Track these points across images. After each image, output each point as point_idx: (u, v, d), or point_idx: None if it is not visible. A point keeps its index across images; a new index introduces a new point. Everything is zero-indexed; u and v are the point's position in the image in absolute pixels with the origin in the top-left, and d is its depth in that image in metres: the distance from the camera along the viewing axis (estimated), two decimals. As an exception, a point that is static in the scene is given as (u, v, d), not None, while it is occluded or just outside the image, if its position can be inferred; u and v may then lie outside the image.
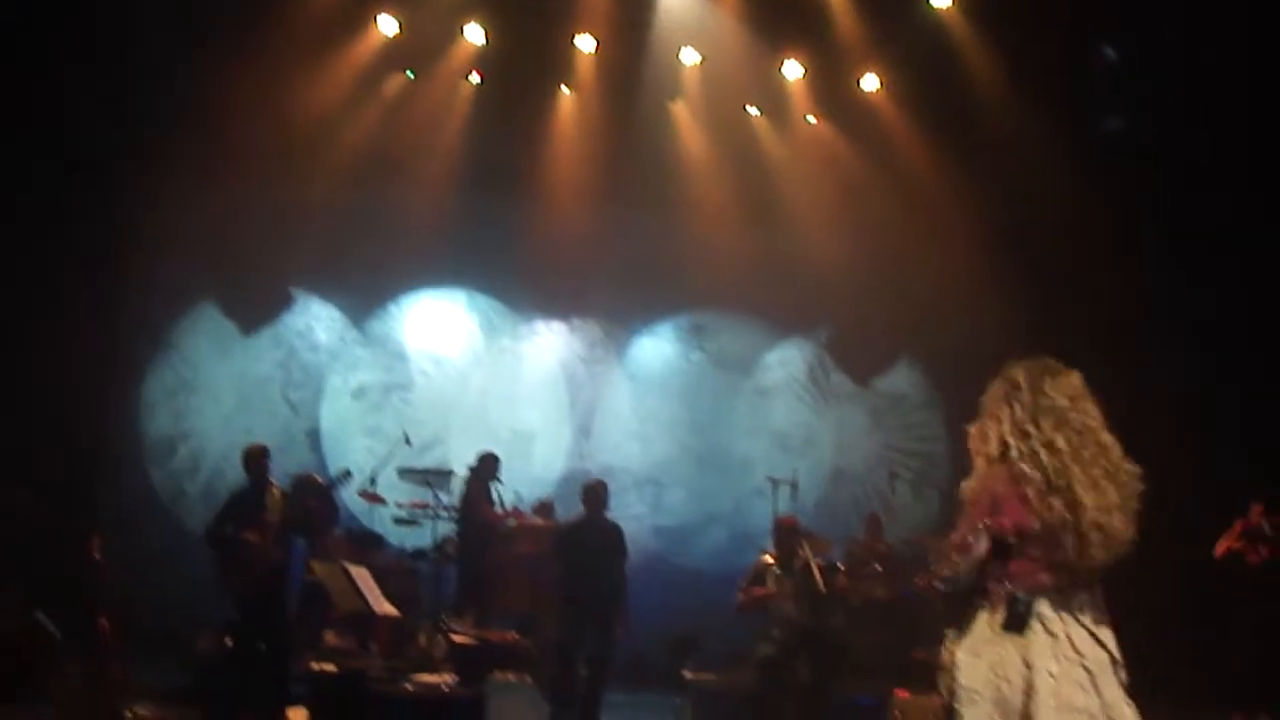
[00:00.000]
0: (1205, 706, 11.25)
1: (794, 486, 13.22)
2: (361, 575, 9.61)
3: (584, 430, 15.96)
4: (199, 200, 14.21)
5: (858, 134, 15.06)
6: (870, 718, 10.70)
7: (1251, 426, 13.05)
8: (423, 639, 10.77)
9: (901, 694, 10.23)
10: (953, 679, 4.95)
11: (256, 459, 10.18)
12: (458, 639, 10.59)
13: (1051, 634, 4.79)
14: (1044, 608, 4.81)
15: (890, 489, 15.68)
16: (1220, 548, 11.68)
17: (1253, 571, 11.57)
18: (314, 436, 15.47)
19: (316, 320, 15.81)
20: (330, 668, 10.05)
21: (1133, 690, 4.89)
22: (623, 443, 15.89)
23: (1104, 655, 4.80)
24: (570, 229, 14.96)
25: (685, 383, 16.33)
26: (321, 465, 14.77)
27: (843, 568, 11.43)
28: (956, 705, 4.91)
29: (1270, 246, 13.08)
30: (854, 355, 16.38)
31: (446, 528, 12.60)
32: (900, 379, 16.46)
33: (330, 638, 11.21)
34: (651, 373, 16.32)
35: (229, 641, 10.27)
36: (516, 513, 12.87)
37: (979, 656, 4.87)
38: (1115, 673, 4.82)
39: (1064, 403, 5.02)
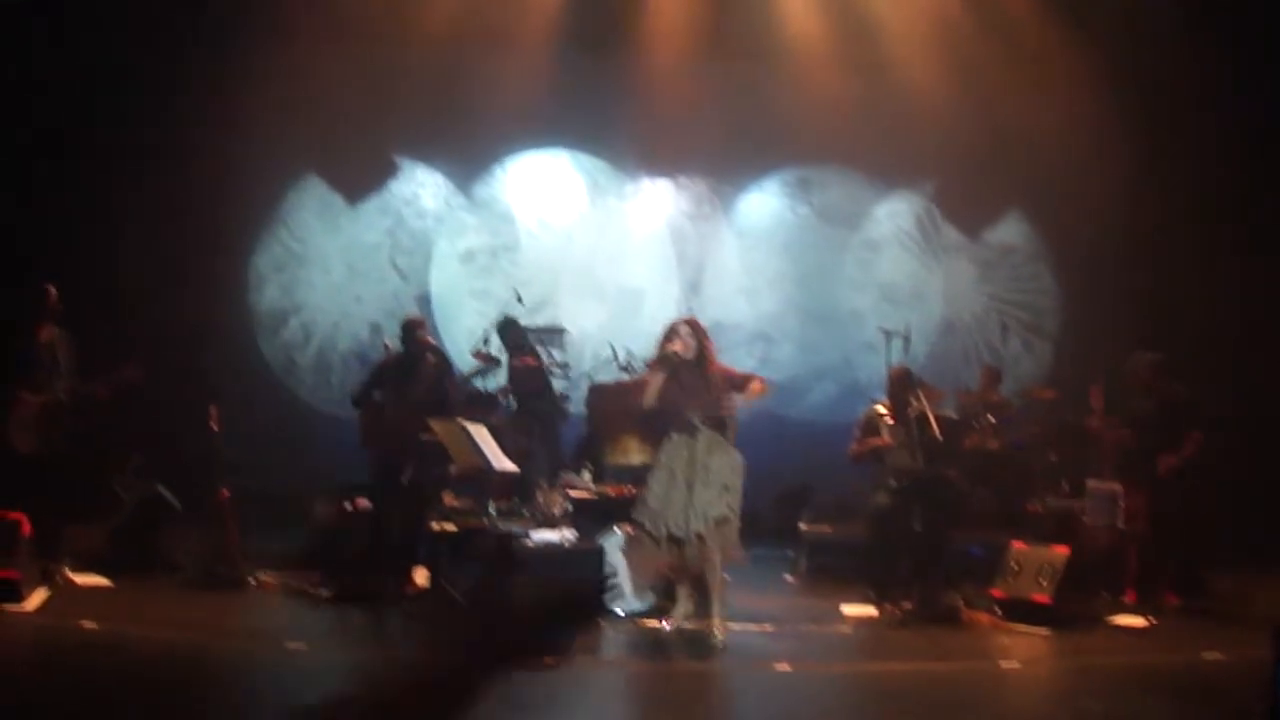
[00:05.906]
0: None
1: (906, 338, 13.07)
2: (480, 432, 9.71)
3: (692, 286, 15.94)
4: (301, 71, 14.22)
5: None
6: (982, 568, 10.72)
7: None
8: (540, 496, 10.92)
9: (1018, 545, 10.23)
10: (657, 456, 9.18)
11: (415, 329, 10.32)
12: (575, 494, 10.73)
13: (702, 439, 9.11)
14: (702, 427, 9.10)
15: (1002, 341, 15.52)
16: None
17: None
18: (424, 302, 15.64)
19: (422, 186, 15.89)
20: (450, 527, 10.25)
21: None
22: (731, 298, 15.86)
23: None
24: (673, 85, 14.75)
25: (792, 237, 16.21)
26: (433, 330, 14.95)
27: (957, 419, 11.38)
28: (655, 468, 9.15)
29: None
30: (962, 207, 16.10)
31: (561, 385, 12.67)
32: (1010, 231, 16.18)
33: (448, 498, 11.42)
34: (758, 228, 16.21)
35: (349, 506, 10.52)
36: (628, 369, 12.95)
37: (670, 444, 9.10)
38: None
39: (710, 351, 9.37)
